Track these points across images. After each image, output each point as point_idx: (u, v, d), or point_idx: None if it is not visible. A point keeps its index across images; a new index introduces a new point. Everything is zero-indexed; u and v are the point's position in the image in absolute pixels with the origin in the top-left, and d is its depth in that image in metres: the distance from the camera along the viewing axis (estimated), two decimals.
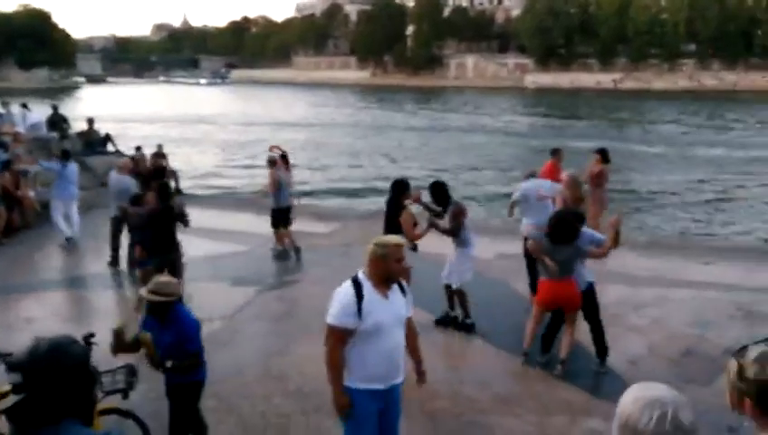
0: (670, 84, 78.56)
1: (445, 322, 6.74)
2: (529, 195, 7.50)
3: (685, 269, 8.62)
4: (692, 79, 79.66)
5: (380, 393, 3.49)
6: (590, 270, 5.80)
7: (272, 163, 9.74)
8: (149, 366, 4.10)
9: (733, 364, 1.66)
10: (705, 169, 22.60)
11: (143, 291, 4.06)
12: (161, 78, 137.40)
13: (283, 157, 10.09)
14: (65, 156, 10.43)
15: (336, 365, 3.38)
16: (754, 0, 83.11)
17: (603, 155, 9.56)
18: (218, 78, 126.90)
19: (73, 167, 10.43)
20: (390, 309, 3.43)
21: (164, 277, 4.19)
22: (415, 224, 6.44)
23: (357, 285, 3.36)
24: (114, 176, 9.20)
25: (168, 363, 3.97)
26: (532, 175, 7.91)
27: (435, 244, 7.06)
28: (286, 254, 9.54)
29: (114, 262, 8.89)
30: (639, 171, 21.95)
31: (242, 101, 67.55)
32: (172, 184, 14.06)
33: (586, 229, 5.66)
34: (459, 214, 6.46)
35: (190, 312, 4.22)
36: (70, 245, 9.99)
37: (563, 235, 5.37)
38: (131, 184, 8.86)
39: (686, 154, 26.11)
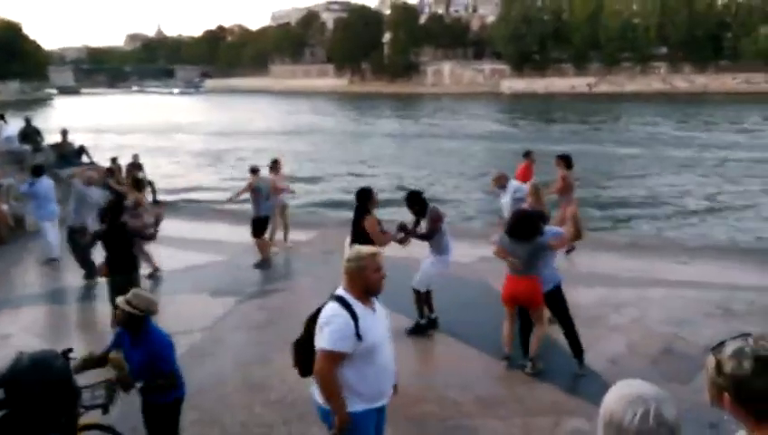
0: (643, 87, 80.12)
1: (417, 331, 6.69)
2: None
3: (662, 269, 8.76)
4: (664, 82, 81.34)
5: (379, 409, 3.41)
6: (556, 271, 5.87)
7: (253, 171, 9.73)
8: (119, 388, 3.92)
9: (711, 360, 1.68)
10: (679, 169, 23.02)
11: (120, 300, 3.94)
12: (135, 88, 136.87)
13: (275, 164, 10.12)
14: (36, 172, 9.99)
15: (335, 389, 3.18)
16: (723, 4, 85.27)
17: (566, 161, 9.37)
18: (192, 87, 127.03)
19: (45, 183, 9.87)
20: (380, 322, 3.32)
21: (145, 291, 4.09)
22: (381, 230, 6.41)
23: (346, 304, 3.19)
24: (81, 187, 8.96)
25: (138, 384, 3.83)
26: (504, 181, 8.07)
27: (415, 249, 7.07)
28: (267, 263, 9.46)
29: (90, 275, 8.71)
30: (616, 173, 22.29)
31: (217, 111, 67.22)
32: (149, 195, 13.94)
33: (549, 228, 5.78)
34: (437, 219, 6.49)
35: (162, 331, 4.06)
36: (50, 264, 9.68)
37: (523, 231, 5.48)
38: (101, 196, 8.67)
39: (660, 155, 26.56)
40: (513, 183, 8.56)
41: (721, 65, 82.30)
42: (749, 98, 63.29)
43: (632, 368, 5.70)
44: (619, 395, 1.61)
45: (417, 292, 6.68)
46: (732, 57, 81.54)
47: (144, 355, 3.82)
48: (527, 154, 9.79)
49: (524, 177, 8.88)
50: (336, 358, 3.13)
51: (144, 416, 4.11)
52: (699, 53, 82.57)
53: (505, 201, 8.34)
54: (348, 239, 6.51)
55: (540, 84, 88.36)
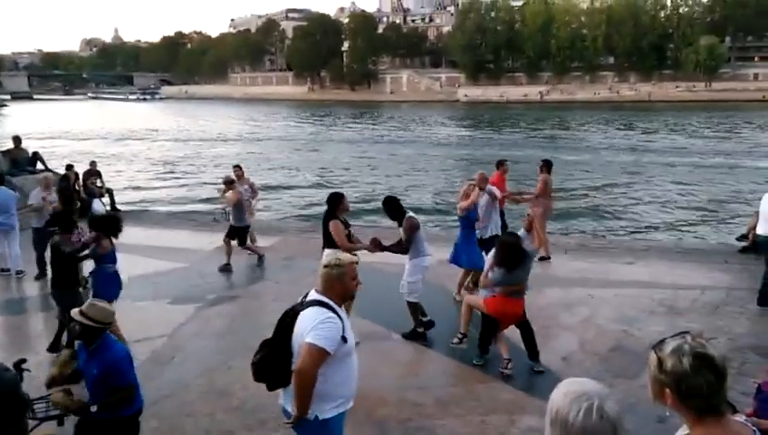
0: (592, 95, 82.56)
1: (414, 336, 6.74)
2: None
3: (611, 270, 9.12)
4: (612, 90, 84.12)
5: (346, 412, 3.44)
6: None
7: (230, 182, 9.79)
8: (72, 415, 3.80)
9: (653, 358, 1.74)
10: (625, 173, 23.85)
11: (75, 311, 3.78)
12: (90, 94, 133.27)
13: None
14: None
15: (312, 386, 3.13)
16: (666, 16, 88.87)
17: (548, 166, 9.95)
18: (147, 94, 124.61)
19: (3, 193, 9.38)
20: (350, 326, 3.38)
21: (101, 302, 3.96)
22: (348, 235, 6.45)
23: (331, 308, 3.21)
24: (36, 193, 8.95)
25: (93, 408, 3.67)
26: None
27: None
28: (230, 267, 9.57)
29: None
30: (565, 178, 22.89)
31: (174, 118, 66.00)
32: (107, 201, 13.67)
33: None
34: (412, 228, 6.49)
35: (119, 343, 3.98)
36: (4, 275, 9.33)
37: (519, 259, 5.76)
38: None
39: (607, 160, 27.49)
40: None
41: (664, 74, 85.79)
42: (691, 105, 66.06)
43: (584, 365, 5.94)
44: (564, 392, 1.67)
45: (410, 303, 6.68)
46: (674, 67, 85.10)
47: (100, 368, 3.67)
48: (500, 163, 9.99)
49: (498, 186, 9.13)
50: (323, 357, 3.10)
51: (100, 432, 3.85)
52: (644, 63, 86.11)
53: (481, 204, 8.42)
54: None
55: (494, 92, 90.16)
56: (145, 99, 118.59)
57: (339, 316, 3.19)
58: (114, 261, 6.34)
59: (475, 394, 5.50)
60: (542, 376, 5.75)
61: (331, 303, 3.25)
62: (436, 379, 5.87)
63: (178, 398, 5.48)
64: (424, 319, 6.81)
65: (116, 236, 6.28)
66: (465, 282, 7.92)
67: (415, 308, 6.70)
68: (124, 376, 3.73)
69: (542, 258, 9.53)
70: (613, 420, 1.62)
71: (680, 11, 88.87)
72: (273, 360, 3.28)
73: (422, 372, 6.06)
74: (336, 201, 6.52)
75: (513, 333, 6.33)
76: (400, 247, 6.56)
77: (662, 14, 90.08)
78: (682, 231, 15.13)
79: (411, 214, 6.62)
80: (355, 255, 4.61)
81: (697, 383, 1.66)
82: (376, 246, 6.40)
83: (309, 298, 3.30)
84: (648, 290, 8.06)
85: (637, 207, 18.18)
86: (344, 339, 3.16)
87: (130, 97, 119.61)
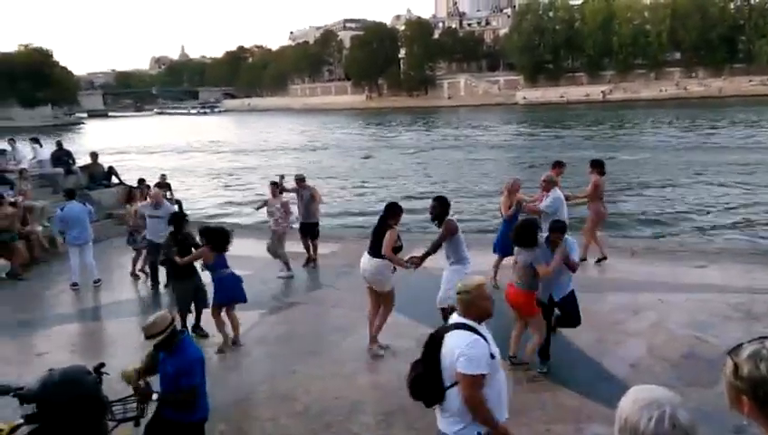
0: (657, 93, 79.52)
1: None
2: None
3: (682, 273, 8.73)
4: (678, 86, 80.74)
5: None
6: (570, 279, 6.05)
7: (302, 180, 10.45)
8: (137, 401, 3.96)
9: (728, 363, 1.66)
10: (696, 174, 22.79)
11: (143, 342, 4.02)
12: (156, 110, 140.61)
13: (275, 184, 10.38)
14: (69, 195, 10.16)
15: (487, 408, 3.27)
16: (736, 7, 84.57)
17: (599, 167, 9.42)
18: (207, 108, 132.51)
19: (74, 208, 9.83)
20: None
21: (152, 316, 4.07)
22: (399, 247, 6.44)
23: (473, 329, 3.33)
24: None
25: (155, 396, 3.85)
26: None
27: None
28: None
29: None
30: (632, 179, 22.15)
31: (233, 130, 68.18)
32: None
33: (570, 239, 6.05)
34: (449, 230, 6.44)
35: (195, 346, 4.17)
36: (74, 289, 9.77)
37: (524, 239, 5.82)
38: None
39: (675, 160, 26.37)
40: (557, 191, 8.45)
41: (736, 68, 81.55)
42: (766, 100, 62.42)
43: (653, 372, 5.72)
44: (634, 399, 1.62)
45: (442, 310, 6.55)
46: (746, 60, 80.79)
47: (175, 366, 3.88)
48: (557, 164, 9.72)
49: None
50: (480, 380, 3.24)
51: (162, 432, 4.07)
52: (713, 57, 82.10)
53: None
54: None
55: (554, 93, 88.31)
56: (205, 112, 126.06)
57: (482, 336, 3.33)
58: (224, 265, 7.06)
59: (540, 401, 5.39)
60: (610, 383, 5.58)
61: (473, 324, 3.38)
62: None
63: (244, 402, 5.64)
64: None
65: (225, 250, 7.01)
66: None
67: (447, 315, 6.58)
68: (193, 377, 3.90)
69: (598, 260, 9.26)
70: (687, 428, 1.56)
71: (752, 1, 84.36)
72: (426, 380, 3.39)
73: None
74: (393, 212, 6.52)
75: (576, 336, 6.19)
76: (433, 248, 6.55)
77: (732, 6, 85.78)
78: (757, 232, 14.32)
79: (452, 218, 6.60)
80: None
81: None
82: (414, 263, 6.44)
83: (451, 321, 3.46)
84: (722, 294, 7.68)
85: (707, 207, 17.34)
86: (492, 356, 3.31)
87: (192, 111, 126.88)
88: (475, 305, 3.39)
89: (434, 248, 6.51)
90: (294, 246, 10.48)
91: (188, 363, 3.90)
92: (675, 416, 1.56)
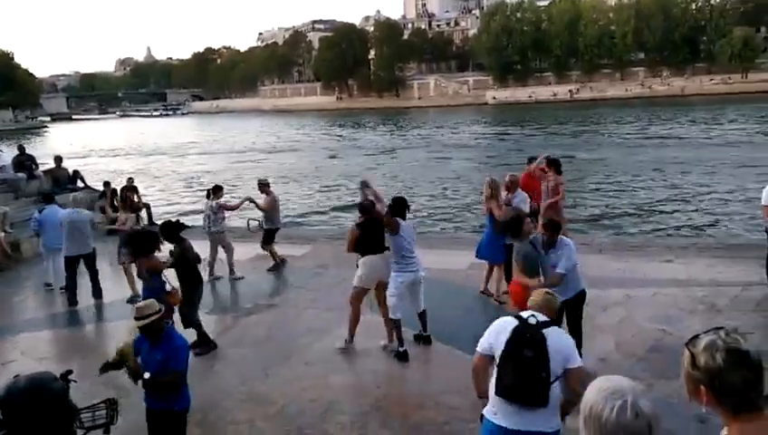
0: (623, 92, 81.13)
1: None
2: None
3: (648, 268, 8.93)
4: (643, 86, 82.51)
5: None
6: (581, 278, 5.89)
7: (265, 185, 10.25)
8: (129, 377, 4.22)
9: (686, 354, 1.72)
10: (655, 170, 23.29)
11: (132, 325, 4.22)
12: (118, 112, 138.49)
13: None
14: (48, 199, 10.05)
15: None
16: (697, 8, 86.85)
17: (556, 166, 9.12)
18: (169, 110, 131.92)
19: (52, 211, 9.62)
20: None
21: (141, 302, 4.37)
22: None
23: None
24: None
25: (147, 374, 4.04)
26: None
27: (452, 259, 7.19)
28: (279, 266, 10.06)
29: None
30: (598, 176, 22.59)
31: (194, 132, 67.35)
32: (144, 216, 14.04)
33: (566, 240, 5.76)
34: (390, 225, 6.36)
35: (180, 334, 4.37)
36: (47, 290, 9.69)
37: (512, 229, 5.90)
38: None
39: (639, 157, 26.93)
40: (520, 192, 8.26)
41: (698, 68, 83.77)
42: (727, 98, 64.29)
43: (622, 366, 5.83)
44: (598, 389, 1.65)
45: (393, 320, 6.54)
46: (708, 59, 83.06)
47: (164, 354, 4.06)
48: (531, 160, 9.72)
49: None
50: None
51: (150, 427, 4.28)
52: (676, 57, 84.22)
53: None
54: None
55: (523, 93, 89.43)
56: (167, 114, 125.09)
57: None
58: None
59: None
60: None
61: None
62: (472, 384, 5.84)
63: (219, 406, 5.60)
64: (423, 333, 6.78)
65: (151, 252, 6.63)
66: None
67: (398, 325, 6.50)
68: (181, 362, 4.13)
69: None
70: (649, 417, 1.60)
71: (712, 2, 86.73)
72: (541, 379, 3.29)
73: (459, 377, 6.04)
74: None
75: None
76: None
77: (693, 7, 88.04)
78: (721, 227, 14.74)
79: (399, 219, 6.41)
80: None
81: (731, 379, 1.63)
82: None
83: (540, 319, 3.42)
84: (688, 288, 7.89)
85: (672, 203, 17.78)
86: None
87: (154, 113, 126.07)
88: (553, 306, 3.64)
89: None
90: (284, 250, 10.56)
91: (176, 349, 4.12)
92: (637, 405, 1.60)
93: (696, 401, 1.71)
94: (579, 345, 5.86)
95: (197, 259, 7.04)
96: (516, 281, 5.73)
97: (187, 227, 7.30)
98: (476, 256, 8.12)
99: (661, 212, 16.74)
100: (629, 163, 25.57)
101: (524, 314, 3.45)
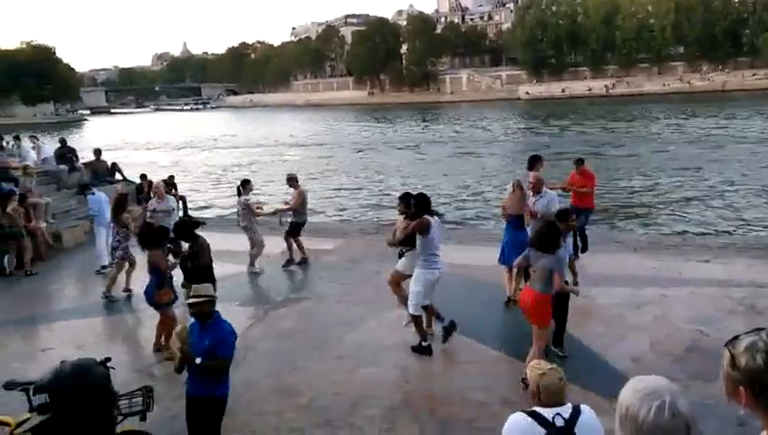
0: (661, 87, 79.15)
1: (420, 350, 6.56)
2: None
3: (685, 268, 8.74)
4: (682, 81, 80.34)
5: None
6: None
7: (293, 180, 10.23)
8: (179, 363, 4.32)
9: (726, 354, 1.67)
10: (697, 167, 22.66)
11: (188, 300, 4.42)
12: (152, 106, 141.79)
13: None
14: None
15: None
16: (740, 1, 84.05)
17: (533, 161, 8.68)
18: (200, 104, 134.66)
19: (94, 197, 10.98)
20: None
21: (201, 285, 4.56)
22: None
23: None
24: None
25: (198, 360, 4.19)
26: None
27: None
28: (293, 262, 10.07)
29: None
30: (634, 172, 22.10)
31: (222, 126, 68.14)
32: (180, 208, 14.29)
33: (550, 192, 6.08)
34: (417, 227, 6.34)
35: (228, 322, 4.48)
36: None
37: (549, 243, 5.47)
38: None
39: (679, 154, 26.27)
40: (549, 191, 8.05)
41: (740, 62, 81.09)
42: None
43: (656, 366, 5.70)
44: (634, 389, 1.63)
45: (414, 316, 6.55)
46: (751, 53, 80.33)
47: (212, 339, 4.22)
48: (579, 162, 9.58)
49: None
50: None
51: (188, 414, 4.41)
52: (717, 51, 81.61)
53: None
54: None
55: (557, 88, 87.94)
56: (198, 108, 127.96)
57: None
58: None
59: None
60: (612, 377, 5.59)
61: None
62: (500, 378, 5.82)
63: (248, 397, 5.66)
64: (444, 324, 6.68)
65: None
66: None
67: (418, 322, 6.53)
68: (228, 349, 4.31)
69: None
70: (686, 417, 1.57)
71: None
72: None
73: (485, 372, 6.01)
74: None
75: (580, 330, 6.19)
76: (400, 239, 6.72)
77: None
78: (761, 227, 14.27)
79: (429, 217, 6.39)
80: None
81: None
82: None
83: (565, 416, 2.95)
84: (726, 289, 7.69)
85: (710, 202, 17.27)
86: None
87: (185, 108, 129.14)
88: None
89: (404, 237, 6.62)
90: (314, 244, 10.65)
91: (225, 335, 4.29)
92: (675, 405, 1.57)
93: (735, 401, 1.66)
94: (561, 333, 5.92)
95: (210, 259, 7.13)
96: (529, 288, 5.64)
97: (203, 223, 7.39)
98: (500, 262, 7.86)
99: (698, 211, 16.29)
100: (663, 160, 24.97)
101: (545, 412, 2.89)
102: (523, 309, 5.67)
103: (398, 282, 7.12)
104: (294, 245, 10.07)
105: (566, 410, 2.91)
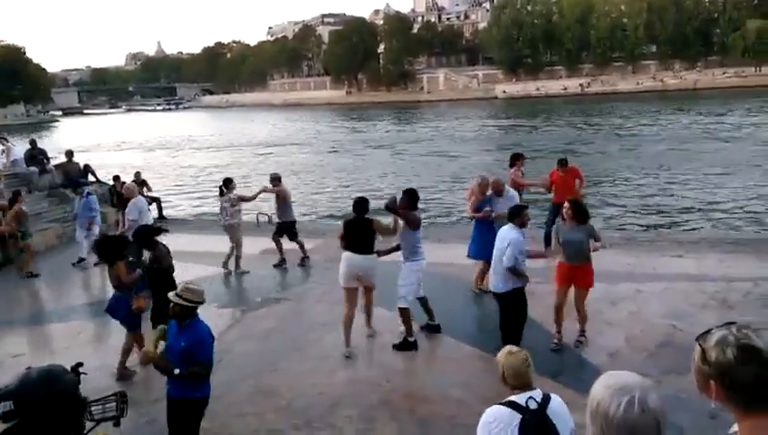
0: (634, 86, 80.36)
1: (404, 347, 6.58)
2: None
3: (659, 264, 8.89)
4: (655, 79, 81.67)
5: None
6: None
7: (277, 179, 10.14)
8: (156, 369, 4.31)
9: (697, 349, 1.69)
10: (667, 163, 23.04)
11: (171, 294, 4.30)
12: (124, 107, 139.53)
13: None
14: (75, 190, 11.82)
15: None
16: (710, 1, 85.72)
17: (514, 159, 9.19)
18: (172, 104, 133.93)
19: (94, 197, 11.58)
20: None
21: (193, 285, 4.44)
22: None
23: None
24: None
25: (176, 371, 4.17)
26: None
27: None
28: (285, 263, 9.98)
29: None
30: (608, 170, 22.41)
31: (210, 126, 67.44)
32: (154, 210, 14.10)
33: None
34: (410, 220, 6.42)
35: (205, 324, 4.42)
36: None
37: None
38: None
39: (651, 151, 26.68)
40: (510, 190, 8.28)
41: (710, 61, 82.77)
42: (740, 91, 63.52)
43: (632, 361, 5.82)
44: (605, 385, 1.65)
45: (402, 310, 6.57)
46: (721, 52, 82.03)
47: (188, 341, 4.17)
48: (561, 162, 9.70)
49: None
50: None
51: (169, 416, 4.39)
52: (688, 50, 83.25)
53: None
54: None
55: (533, 87, 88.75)
56: (170, 108, 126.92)
57: None
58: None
59: None
60: (589, 372, 5.67)
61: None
62: (479, 376, 5.86)
63: (228, 399, 5.62)
64: (432, 323, 6.86)
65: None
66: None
67: (406, 315, 6.55)
68: (206, 352, 4.28)
69: None
70: (656, 413, 1.59)
71: None
72: None
73: (464, 370, 6.04)
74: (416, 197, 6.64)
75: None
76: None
77: None
78: (734, 222, 14.58)
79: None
80: None
81: (742, 375, 1.60)
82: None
83: (537, 399, 3.06)
84: (699, 283, 7.84)
85: (683, 198, 17.60)
86: None
87: (158, 108, 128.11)
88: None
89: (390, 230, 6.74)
90: (294, 244, 10.49)
91: (202, 336, 4.26)
92: (644, 400, 1.59)
93: (706, 395, 1.68)
94: (520, 331, 5.99)
95: (172, 267, 6.79)
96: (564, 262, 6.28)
97: (165, 231, 7.19)
98: (468, 256, 8.11)
99: (671, 206, 16.58)
100: (637, 157, 25.35)
101: (518, 398, 3.01)
102: (569, 279, 6.26)
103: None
104: (296, 245, 10.10)
105: (538, 395, 3.03)
